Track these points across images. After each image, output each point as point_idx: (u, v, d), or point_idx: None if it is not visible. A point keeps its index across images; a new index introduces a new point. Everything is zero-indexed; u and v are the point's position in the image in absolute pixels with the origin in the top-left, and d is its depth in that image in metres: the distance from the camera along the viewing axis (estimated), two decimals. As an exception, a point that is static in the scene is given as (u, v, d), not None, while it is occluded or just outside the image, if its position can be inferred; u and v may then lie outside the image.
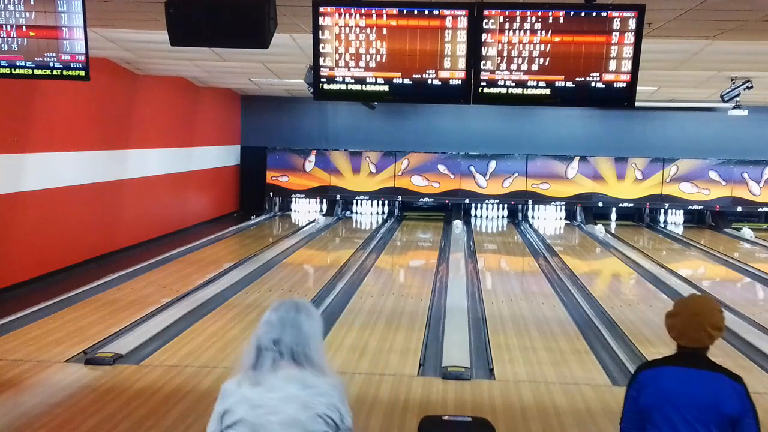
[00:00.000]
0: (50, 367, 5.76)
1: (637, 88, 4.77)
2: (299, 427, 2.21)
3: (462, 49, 4.74)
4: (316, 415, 2.23)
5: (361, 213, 16.71)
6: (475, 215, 16.39)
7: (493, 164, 16.18)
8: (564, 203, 16.21)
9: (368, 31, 4.77)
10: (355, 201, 16.67)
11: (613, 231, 15.17)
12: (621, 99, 4.78)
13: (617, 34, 4.65)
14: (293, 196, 16.68)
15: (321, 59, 4.84)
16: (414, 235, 14.66)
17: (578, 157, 16.11)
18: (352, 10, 4.74)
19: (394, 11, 4.73)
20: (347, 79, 4.86)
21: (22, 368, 5.71)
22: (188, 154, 13.96)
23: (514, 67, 4.75)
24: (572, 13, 4.64)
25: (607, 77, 4.73)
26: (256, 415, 2.22)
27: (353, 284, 9.22)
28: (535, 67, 4.74)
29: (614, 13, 4.63)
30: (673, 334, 2.63)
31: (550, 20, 4.65)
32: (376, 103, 13.51)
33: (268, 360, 2.27)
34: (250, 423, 2.22)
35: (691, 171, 15.96)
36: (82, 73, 5.08)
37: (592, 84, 4.74)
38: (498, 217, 16.37)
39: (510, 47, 4.72)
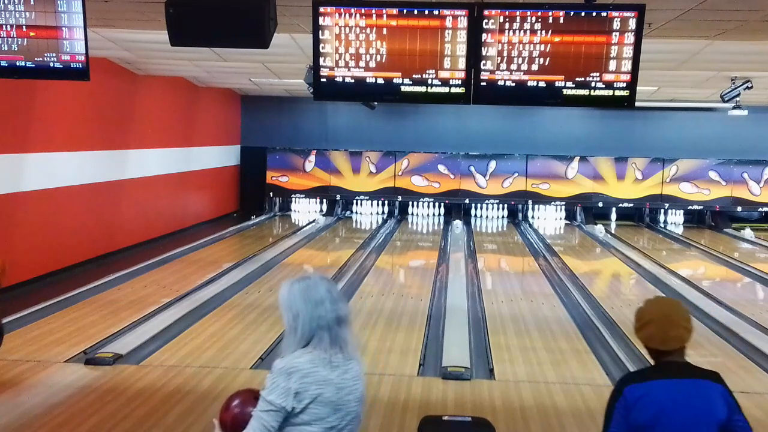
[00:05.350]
0: (50, 367, 5.75)
1: (637, 88, 4.77)
2: (361, 401, 2.49)
3: (462, 49, 4.74)
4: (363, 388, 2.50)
5: (360, 213, 16.71)
6: (475, 215, 16.39)
7: (493, 164, 16.18)
8: (564, 203, 16.21)
9: (368, 31, 4.76)
10: (355, 201, 16.67)
11: (613, 231, 15.16)
12: (621, 99, 4.77)
13: (617, 34, 4.64)
14: (293, 196, 16.68)
15: (321, 59, 4.84)
16: (414, 235, 14.65)
17: (578, 157, 16.10)
18: (352, 10, 4.74)
19: (394, 11, 4.72)
20: (347, 79, 4.85)
21: (22, 368, 5.71)
22: (188, 154, 13.95)
23: (514, 67, 4.75)
24: (572, 13, 4.64)
25: (607, 77, 4.72)
26: (339, 396, 2.39)
27: (353, 284, 9.21)
28: (535, 67, 4.73)
29: (614, 13, 4.62)
30: (655, 342, 2.52)
31: (550, 20, 4.65)
32: (376, 103, 13.52)
33: (336, 341, 2.40)
34: (334, 403, 2.37)
35: (691, 171, 15.96)
36: (82, 73, 5.07)
37: (592, 84, 4.74)
38: (498, 217, 16.36)
39: (510, 47, 4.72)
